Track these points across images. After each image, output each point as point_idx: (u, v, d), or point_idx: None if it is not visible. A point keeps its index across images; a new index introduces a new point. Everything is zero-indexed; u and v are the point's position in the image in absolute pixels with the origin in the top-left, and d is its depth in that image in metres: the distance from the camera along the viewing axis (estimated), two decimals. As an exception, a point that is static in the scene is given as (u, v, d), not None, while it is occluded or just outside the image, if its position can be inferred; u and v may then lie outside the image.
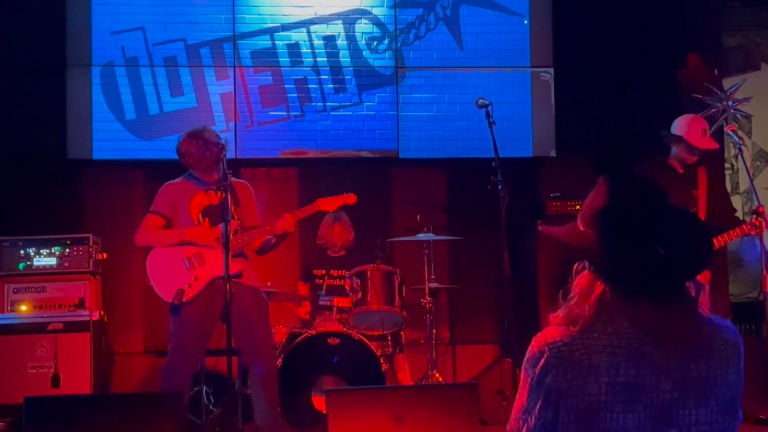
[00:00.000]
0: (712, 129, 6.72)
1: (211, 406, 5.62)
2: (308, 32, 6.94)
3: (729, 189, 7.59)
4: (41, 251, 5.90)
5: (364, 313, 5.60)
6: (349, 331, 5.41)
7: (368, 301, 5.57)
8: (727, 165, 7.51)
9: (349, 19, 6.97)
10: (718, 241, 5.06)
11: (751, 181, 5.58)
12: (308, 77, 6.93)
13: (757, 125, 7.70)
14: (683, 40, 7.11)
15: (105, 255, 6.08)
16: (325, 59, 6.95)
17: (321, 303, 5.91)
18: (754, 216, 5.18)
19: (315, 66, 6.94)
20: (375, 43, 6.99)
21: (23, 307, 5.78)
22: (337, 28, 6.96)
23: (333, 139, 6.91)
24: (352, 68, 6.95)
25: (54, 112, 6.63)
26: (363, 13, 6.99)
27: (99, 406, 4.30)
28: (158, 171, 4.85)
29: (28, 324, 5.64)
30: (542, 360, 1.77)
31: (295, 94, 6.91)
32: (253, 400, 4.76)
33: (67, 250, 5.91)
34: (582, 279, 1.83)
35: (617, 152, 6.59)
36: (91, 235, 5.97)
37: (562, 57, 7.05)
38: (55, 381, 5.55)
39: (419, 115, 6.97)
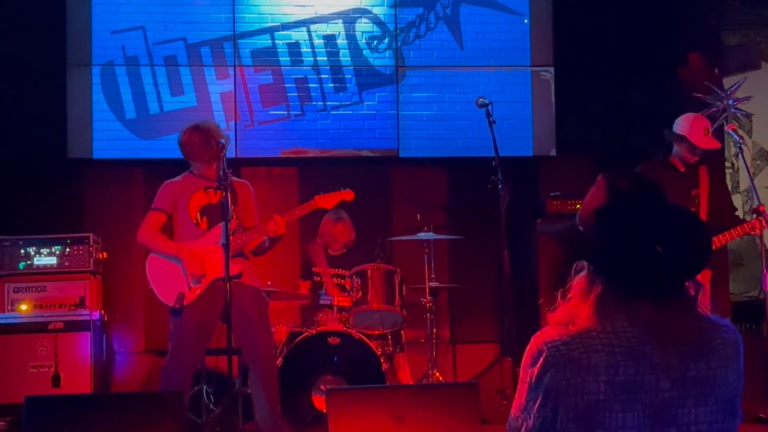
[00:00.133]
0: (713, 128, 6.72)
1: (211, 406, 5.63)
2: (308, 31, 6.94)
3: (729, 188, 7.58)
4: (42, 251, 5.90)
5: (364, 313, 5.60)
6: (349, 331, 5.41)
7: (368, 301, 5.58)
8: (727, 164, 7.51)
9: (350, 18, 6.97)
10: (718, 240, 5.06)
11: (752, 180, 5.58)
12: (308, 76, 6.93)
13: (758, 124, 7.70)
14: (683, 39, 7.11)
15: (105, 254, 6.08)
16: (326, 58, 6.95)
17: (321, 302, 5.91)
18: (755, 215, 5.18)
19: (315, 65, 6.93)
20: (375, 42, 6.99)
21: (24, 307, 5.78)
22: (337, 28, 6.96)
23: (333, 139, 6.91)
24: (352, 67, 6.95)
25: (54, 112, 6.63)
26: (363, 12, 6.99)
27: (99, 406, 4.30)
28: (158, 170, 4.85)
29: (29, 323, 5.64)
30: (541, 359, 1.77)
31: (296, 94, 6.91)
32: (253, 400, 4.76)
33: (68, 250, 5.91)
34: (581, 278, 1.83)
35: (617, 151, 6.58)
36: (91, 235, 5.97)
37: (562, 56, 7.05)
38: (56, 380, 5.55)
39: (419, 115, 6.97)
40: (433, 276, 5.89)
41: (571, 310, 1.80)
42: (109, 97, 6.72)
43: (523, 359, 1.83)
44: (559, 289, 1.87)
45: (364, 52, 6.97)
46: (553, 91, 7.03)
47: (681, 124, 5.31)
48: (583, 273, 1.83)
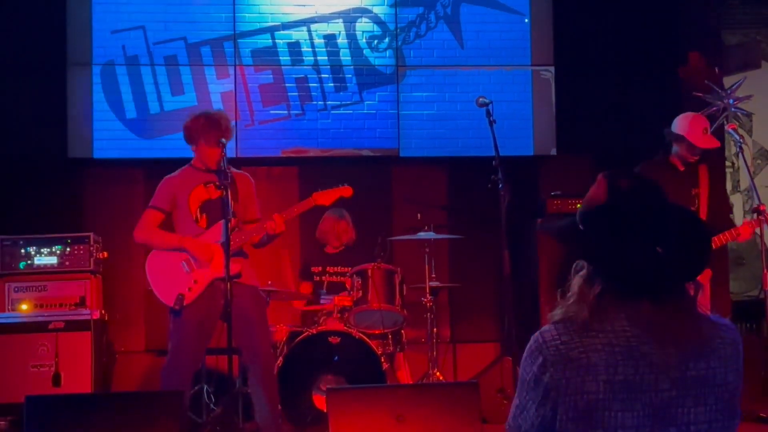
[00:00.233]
0: (713, 127, 6.72)
1: (211, 405, 5.63)
2: (309, 31, 6.94)
3: (730, 187, 7.59)
4: (42, 250, 5.90)
5: (364, 312, 5.60)
6: (349, 330, 5.41)
7: (369, 300, 5.57)
8: (727, 163, 7.51)
9: (350, 17, 6.97)
10: (719, 240, 5.06)
11: (752, 179, 5.59)
12: (309, 76, 6.93)
13: (758, 123, 7.70)
14: (684, 38, 7.11)
15: (106, 254, 6.08)
16: (326, 58, 6.95)
17: (322, 302, 5.91)
18: (755, 214, 5.19)
19: (315, 65, 6.94)
20: (375, 41, 6.99)
21: (24, 306, 5.78)
22: (337, 27, 6.96)
23: (333, 138, 6.91)
24: (352, 67, 6.95)
25: (54, 111, 6.63)
26: (363, 11, 6.99)
27: (100, 405, 4.30)
28: (159, 170, 4.84)
29: (29, 323, 5.64)
30: (540, 358, 1.77)
31: (296, 93, 6.91)
32: (253, 399, 4.76)
33: (68, 249, 5.91)
34: (581, 278, 1.83)
35: (618, 150, 6.58)
36: (91, 234, 5.97)
37: (562, 55, 7.05)
38: (56, 380, 5.55)
39: (420, 114, 6.97)
40: (433, 275, 5.89)
41: (571, 309, 1.80)
42: (109, 96, 6.72)
43: (523, 358, 1.82)
44: (559, 288, 1.87)
45: (364, 51, 6.97)
46: (554, 91, 7.03)
47: (680, 124, 5.31)
48: (583, 272, 1.83)
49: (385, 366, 5.35)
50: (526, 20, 7.08)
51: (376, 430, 4.08)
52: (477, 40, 7.06)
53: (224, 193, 4.34)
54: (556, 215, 6.18)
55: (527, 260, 6.26)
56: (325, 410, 4.53)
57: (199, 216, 4.70)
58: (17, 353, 5.57)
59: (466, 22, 7.06)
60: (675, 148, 5.32)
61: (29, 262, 5.88)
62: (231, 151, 5.81)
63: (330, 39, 6.95)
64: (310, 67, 6.93)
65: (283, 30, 6.92)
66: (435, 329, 5.87)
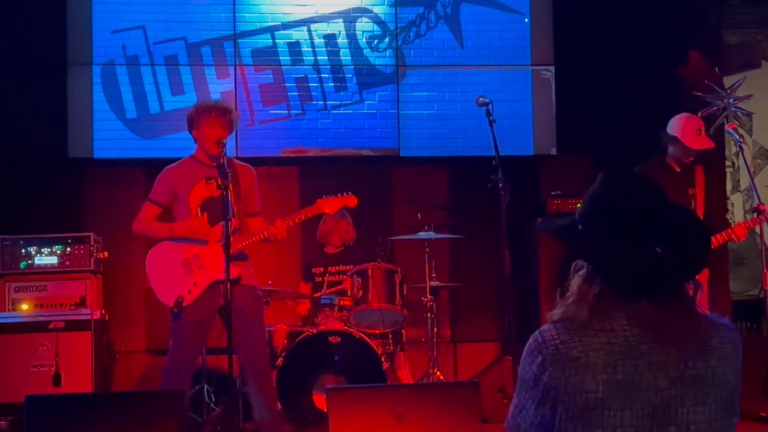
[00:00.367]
0: (713, 127, 6.72)
1: (212, 405, 5.63)
2: (309, 31, 6.94)
3: (730, 187, 7.59)
4: (42, 250, 5.90)
5: (364, 312, 5.60)
6: (349, 330, 5.41)
7: (369, 300, 5.58)
8: (728, 163, 7.51)
9: (350, 17, 6.97)
10: (715, 241, 5.07)
11: (752, 178, 5.59)
12: (309, 76, 6.93)
13: (758, 123, 7.69)
14: (684, 37, 7.11)
15: (106, 254, 6.08)
16: (326, 58, 6.95)
17: (322, 302, 5.91)
18: (755, 214, 5.19)
19: (316, 64, 6.94)
20: (376, 41, 6.99)
21: (24, 306, 5.79)
22: (337, 27, 6.96)
23: (334, 138, 6.91)
24: (352, 66, 6.95)
25: (55, 111, 6.63)
26: (363, 11, 6.99)
27: (100, 405, 4.31)
28: (159, 170, 4.84)
29: (30, 323, 5.64)
30: (539, 357, 1.77)
31: (296, 93, 6.91)
32: (251, 399, 4.75)
33: (68, 249, 5.91)
34: (580, 277, 1.83)
35: (618, 150, 6.58)
36: (92, 234, 5.97)
37: (562, 55, 7.05)
38: (57, 380, 5.55)
39: (420, 114, 6.97)
40: (433, 275, 5.89)
41: (570, 309, 1.80)
42: (109, 96, 6.72)
43: (522, 358, 1.83)
44: (558, 288, 1.87)
45: (364, 51, 6.97)
46: (554, 90, 7.03)
47: (674, 125, 5.34)
48: (583, 272, 1.83)
49: (385, 366, 5.35)
50: (526, 20, 7.08)
51: (376, 430, 4.08)
52: (477, 39, 7.06)
53: (224, 193, 4.33)
54: (556, 215, 6.18)
55: (527, 260, 6.26)
56: (325, 410, 4.53)
57: (199, 214, 4.68)
58: (17, 353, 5.57)
59: (466, 22, 7.06)
60: (670, 149, 5.35)
61: (29, 261, 5.88)
62: (231, 150, 5.82)
63: (330, 39, 6.95)
64: (310, 66, 6.93)
65: (283, 30, 6.93)
66: (435, 329, 5.87)
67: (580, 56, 7.01)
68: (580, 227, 1.86)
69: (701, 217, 5.18)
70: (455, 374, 6.59)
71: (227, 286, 4.27)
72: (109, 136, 6.70)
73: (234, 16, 6.85)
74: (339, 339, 5.37)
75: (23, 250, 5.88)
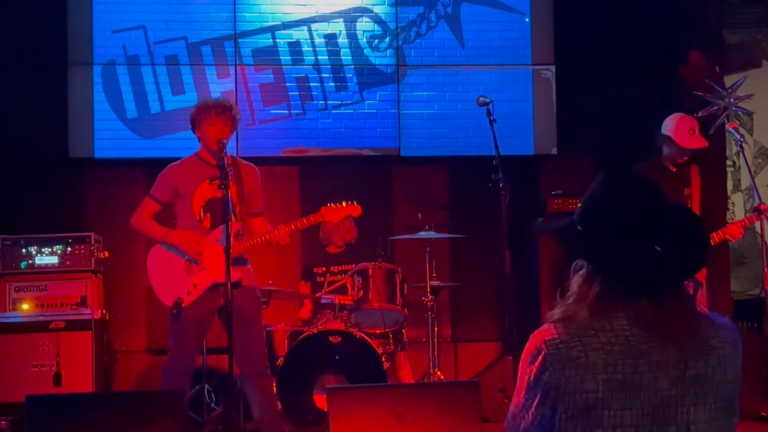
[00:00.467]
0: (714, 126, 6.72)
1: (212, 404, 5.63)
2: (309, 30, 6.94)
3: (731, 186, 7.59)
4: (43, 250, 5.90)
5: (365, 311, 5.60)
6: (350, 329, 5.41)
7: (370, 299, 5.57)
8: (728, 162, 7.51)
9: (350, 17, 6.97)
10: (713, 239, 5.07)
11: (753, 178, 5.58)
12: (309, 75, 6.93)
13: (759, 122, 7.69)
14: (684, 37, 7.10)
15: (106, 253, 6.08)
16: (327, 57, 6.94)
17: (323, 301, 5.91)
18: (755, 213, 5.19)
19: (316, 64, 6.93)
20: (376, 41, 6.98)
21: (25, 306, 5.79)
22: (338, 26, 6.96)
23: (334, 138, 6.91)
24: (353, 66, 6.95)
25: (55, 111, 6.63)
26: (364, 11, 6.99)
27: (100, 405, 4.31)
28: (160, 170, 4.84)
29: (30, 322, 5.64)
30: (540, 357, 1.77)
31: (297, 93, 6.91)
32: (249, 399, 4.74)
33: (69, 249, 5.91)
34: (580, 277, 1.83)
35: (618, 150, 6.58)
36: (92, 234, 5.97)
37: (563, 54, 7.05)
38: (57, 379, 5.55)
39: (420, 113, 6.96)
40: (434, 275, 5.89)
41: (570, 308, 1.80)
42: (110, 96, 6.72)
43: (522, 357, 1.83)
44: (558, 288, 1.88)
45: (365, 50, 6.97)
46: (554, 90, 7.03)
47: (667, 126, 5.35)
48: (583, 272, 1.83)
49: (385, 365, 5.35)
50: (527, 19, 7.08)
51: (377, 430, 4.08)
52: (478, 39, 7.05)
53: (225, 193, 4.33)
54: (557, 214, 6.18)
55: (528, 260, 6.26)
56: (326, 410, 4.53)
57: (202, 216, 4.68)
58: (18, 353, 5.57)
59: (467, 22, 7.05)
60: (665, 149, 5.37)
61: (30, 261, 5.88)
62: (232, 150, 5.81)
63: (330, 38, 6.95)
64: (310, 66, 6.93)
65: (283, 29, 6.92)
66: (436, 328, 5.87)
67: (580, 56, 7.01)
68: (579, 227, 1.86)
69: (698, 216, 5.18)
70: (456, 374, 6.59)
71: (228, 288, 4.26)
72: (109, 136, 6.70)
73: (234, 15, 6.85)
74: (339, 339, 5.37)
75: (24, 250, 5.88)
